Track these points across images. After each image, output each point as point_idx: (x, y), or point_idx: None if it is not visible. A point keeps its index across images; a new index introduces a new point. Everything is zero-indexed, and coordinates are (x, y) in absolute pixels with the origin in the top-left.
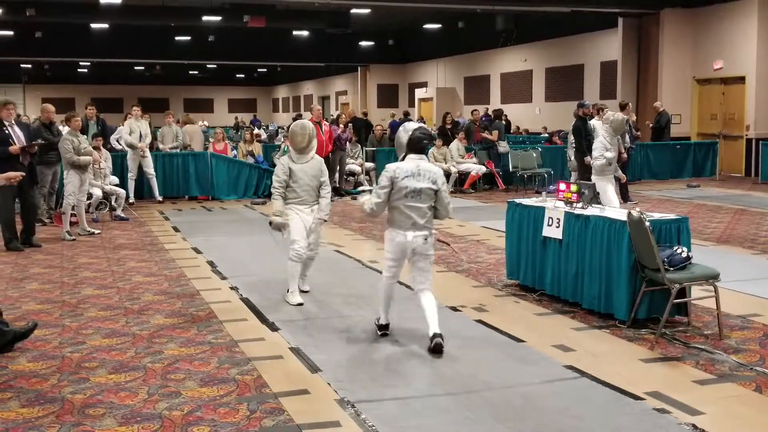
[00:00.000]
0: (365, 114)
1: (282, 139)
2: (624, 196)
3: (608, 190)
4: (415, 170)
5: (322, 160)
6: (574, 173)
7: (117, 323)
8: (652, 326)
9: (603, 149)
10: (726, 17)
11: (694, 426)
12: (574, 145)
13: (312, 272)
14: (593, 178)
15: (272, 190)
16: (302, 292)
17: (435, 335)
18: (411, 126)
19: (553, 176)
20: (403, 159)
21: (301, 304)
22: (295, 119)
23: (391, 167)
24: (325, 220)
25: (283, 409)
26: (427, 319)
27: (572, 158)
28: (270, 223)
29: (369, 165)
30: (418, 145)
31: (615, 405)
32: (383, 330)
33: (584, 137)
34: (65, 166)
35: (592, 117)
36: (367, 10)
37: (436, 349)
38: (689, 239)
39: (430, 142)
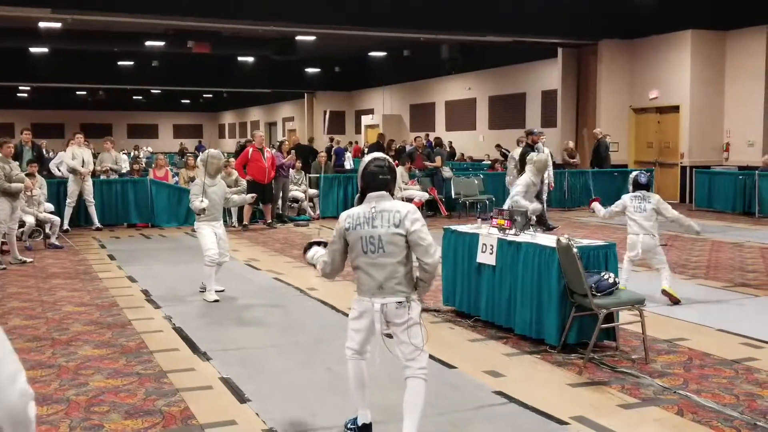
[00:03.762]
0: (311, 140)
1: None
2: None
3: None
4: (370, 213)
5: (224, 183)
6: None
7: (43, 355)
8: (582, 351)
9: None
10: (661, 48)
11: None
12: (516, 171)
13: (249, 299)
14: None
15: (192, 197)
16: (217, 291)
17: None
18: (367, 157)
19: (494, 202)
20: (359, 202)
21: (217, 301)
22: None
23: (341, 216)
24: (249, 201)
25: None
26: (403, 427)
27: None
28: (198, 215)
29: (312, 192)
30: (374, 180)
31: (540, 430)
32: None
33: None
34: None
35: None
36: (312, 38)
37: None
38: (617, 265)
39: (391, 173)
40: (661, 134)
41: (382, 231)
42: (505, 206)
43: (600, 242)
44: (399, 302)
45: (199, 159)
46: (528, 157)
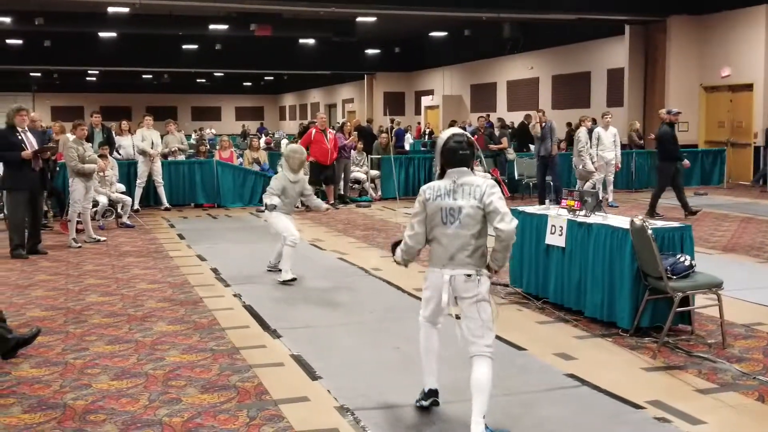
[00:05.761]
0: (369, 122)
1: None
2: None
3: None
4: (451, 186)
5: (306, 179)
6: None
7: (120, 330)
8: (655, 335)
9: None
10: (733, 24)
11: None
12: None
13: (315, 279)
14: None
15: (269, 192)
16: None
17: None
18: (446, 133)
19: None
20: (440, 177)
21: (294, 279)
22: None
23: (423, 188)
24: (323, 210)
25: (283, 416)
26: (472, 407)
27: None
28: (266, 206)
29: (374, 173)
30: (455, 157)
31: (615, 414)
32: (430, 398)
33: (673, 143)
34: (70, 174)
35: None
36: (372, 18)
37: None
38: (692, 247)
39: (471, 148)
40: (734, 113)
41: (463, 203)
42: None
43: (675, 224)
44: (468, 275)
45: (281, 151)
46: None
